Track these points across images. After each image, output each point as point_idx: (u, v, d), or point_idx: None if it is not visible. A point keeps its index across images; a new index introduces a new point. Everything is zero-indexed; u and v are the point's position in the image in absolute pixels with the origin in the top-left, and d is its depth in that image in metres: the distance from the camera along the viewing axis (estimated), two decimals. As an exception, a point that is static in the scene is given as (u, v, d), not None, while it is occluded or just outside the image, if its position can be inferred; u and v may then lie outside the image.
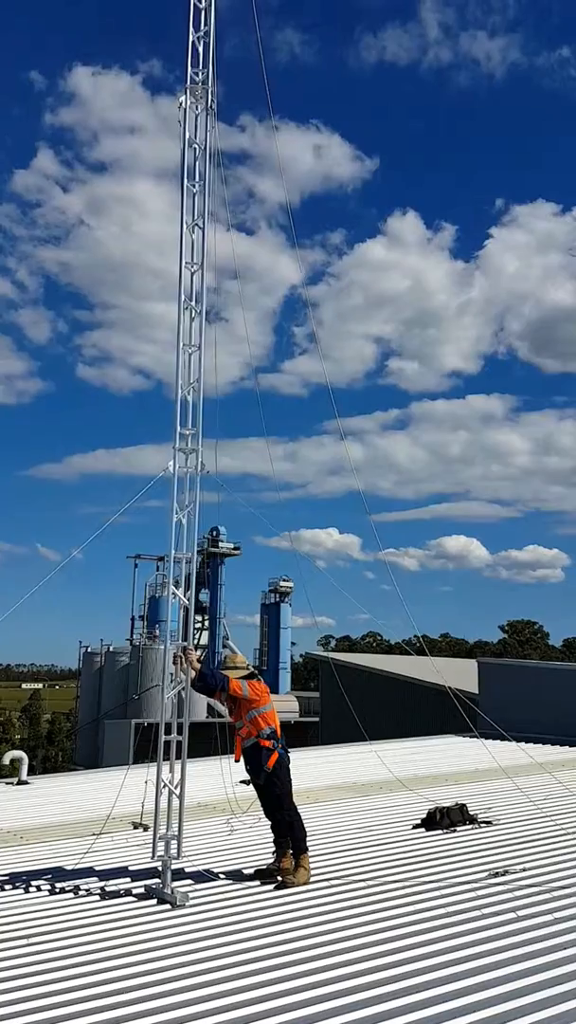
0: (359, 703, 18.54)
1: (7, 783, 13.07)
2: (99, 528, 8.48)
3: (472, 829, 9.19)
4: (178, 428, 7.41)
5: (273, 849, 7.26)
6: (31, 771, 13.59)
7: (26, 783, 12.93)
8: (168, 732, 6.90)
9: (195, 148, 8.00)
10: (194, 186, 7.93)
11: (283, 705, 48.08)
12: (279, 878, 7.00)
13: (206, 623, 64.23)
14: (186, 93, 8.01)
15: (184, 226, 7.81)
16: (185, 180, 7.92)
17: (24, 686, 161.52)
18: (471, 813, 9.57)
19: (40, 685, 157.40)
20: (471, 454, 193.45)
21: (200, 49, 8.09)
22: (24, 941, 5.54)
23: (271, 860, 7.25)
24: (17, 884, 6.91)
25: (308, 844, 7.23)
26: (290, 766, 7.25)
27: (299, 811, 7.27)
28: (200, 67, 8.05)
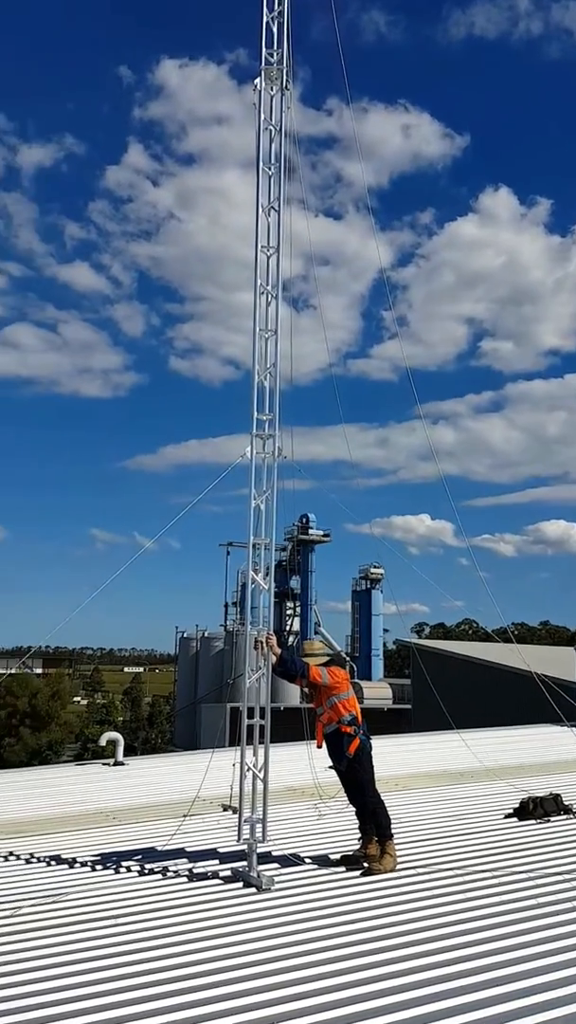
0: (450, 691, 18.27)
1: (104, 764, 13.47)
2: (181, 516, 8.59)
3: (567, 819, 8.91)
4: (255, 414, 7.39)
5: (359, 835, 7.21)
6: (133, 752, 13.94)
7: (122, 764, 13.28)
8: (251, 716, 6.93)
9: (271, 130, 7.94)
10: (270, 168, 7.88)
11: (375, 692, 47.98)
12: (365, 864, 6.95)
13: (297, 610, 64.61)
14: (261, 75, 7.95)
15: (260, 209, 7.77)
16: (261, 163, 7.88)
17: (126, 669, 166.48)
18: (566, 803, 9.28)
19: (141, 669, 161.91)
20: (570, 435, 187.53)
21: (275, 30, 8.00)
22: (112, 921, 5.67)
23: (357, 846, 7.20)
24: (109, 864, 7.09)
25: (396, 831, 7.15)
26: (372, 752, 7.18)
27: (382, 798, 7.20)
28: (275, 48, 7.96)
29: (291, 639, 56.96)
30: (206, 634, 51.63)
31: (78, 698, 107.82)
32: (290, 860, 7.14)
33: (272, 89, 7.98)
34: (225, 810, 9.05)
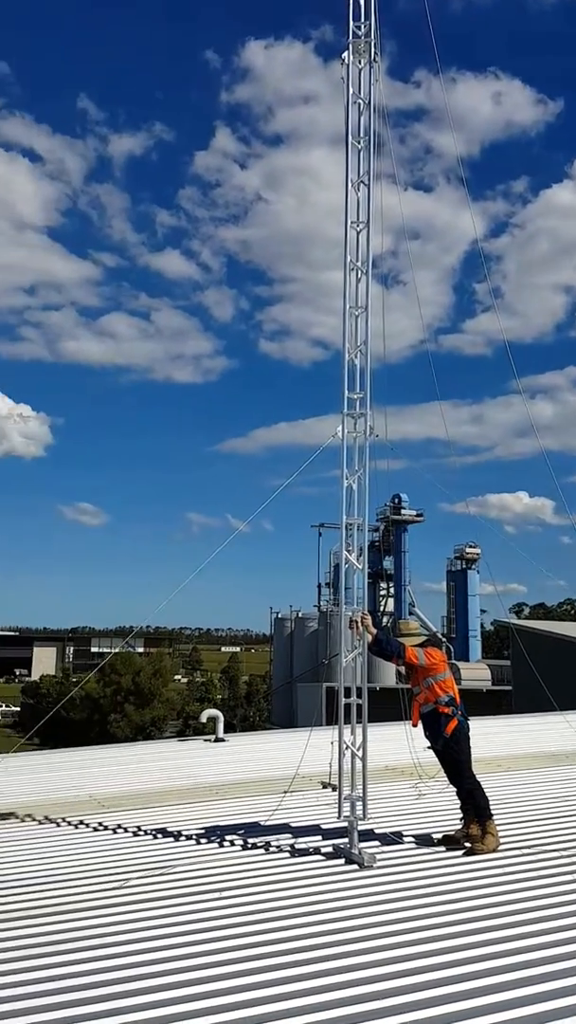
0: (552, 671, 17.82)
1: (205, 740, 13.79)
2: (274, 498, 8.64)
3: None
4: (346, 392, 7.35)
5: (461, 815, 7.15)
6: (231, 729, 14.23)
7: (223, 740, 13.56)
8: (348, 696, 6.94)
9: (359, 104, 7.84)
10: (359, 143, 7.78)
11: (474, 673, 47.31)
12: (467, 844, 6.89)
13: (391, 590, 64.24)
14: (348, 49, 7.84)
15: (349, 184, 7.68)
16: (350, 137, 7.79)
17: (223, 649, 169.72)
18: None
19: (237, 649, 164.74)
20: None
21: (362, 2, 7.87)
22: (218, 894, 5.81)
23: (459, 826, 7.15)
24: (213, 838, 7.26)
25: (500, 812, 7.07)
26: (471, 734, 7.09)
27: (478, 779, 7.11)
28: (362, 20, 7.83)
29: (385, 620, 56.74)
30: (300, 615, 51.96)
31: (178, 676, 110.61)
32: (391, 838, 7.15)
33: (360, 62, 7.87)
34: (324, 787, 9.13)
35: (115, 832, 7.54)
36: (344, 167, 7.74)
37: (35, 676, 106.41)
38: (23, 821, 7.99)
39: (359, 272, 7.56)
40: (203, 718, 14.81)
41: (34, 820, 8.02)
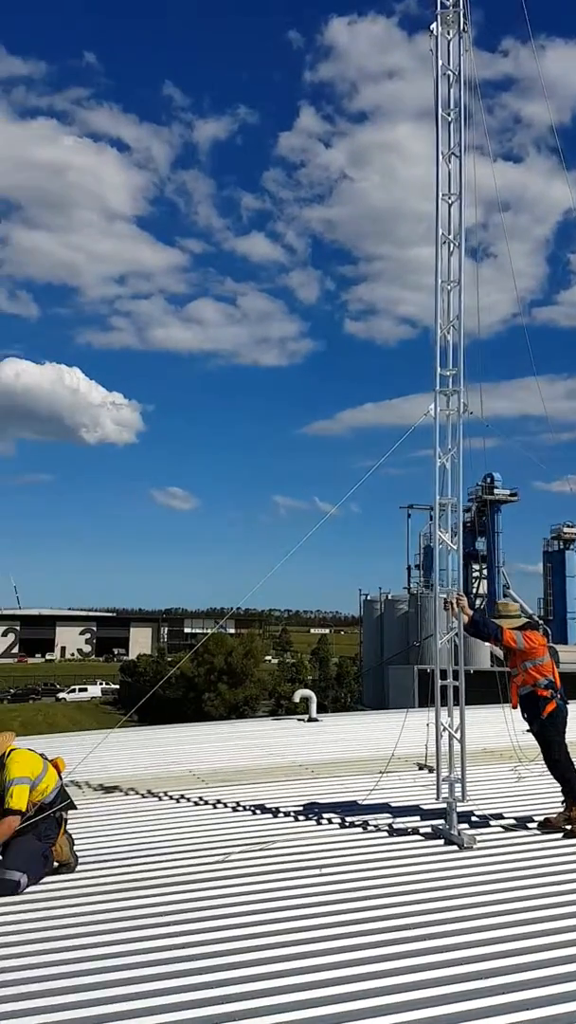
0: None
1: (299, 719, 13.93)
2: (362, 480, 8.59)
3: None
4: (438, 369, 7.24)
5: (562, 799, 7.02)
6: (323, 710, 14.34)
7: (316, 720, 13.68)
8: (444, 678, 6.89)
9: (449, 75, 7.67)
10: (449, 115, 7.61)
11: (572, 656, 46.07)
12: (567, 827, 6.77)
13: (484, 572, 63.13)
14: (437, 20, 7.67)
15: (440, 156, 7.54)
16: (439, 110, 7.63)
17: (312, 631, 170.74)
18: None
19: (327, 630, 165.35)
20: None
21: (449, -29, 7.67)
22: (318, 871, 5.89)
23: (560, 809, 7.02)
24: (311, 815, 7.36)
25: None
26: (567, 718, 6.95)
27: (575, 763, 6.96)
28: (450, -10, 7.63)
29: (479, 602, 55.90)
30: (390, 597, 51.69)
31: (268, 657, 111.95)
32: (490, 820, 7.09)
33: (449, 33, 7.69)
34: (421, 769, 9.11)
35: (215, 807, 7.72)
36: (434, 140, 7.60)
37: (132, 655, 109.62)
38: (127, 795, 8.27)
39: (451, 246, 7.42)
40: (296, 698, 14.96)
41: (137, 794, 8.29)
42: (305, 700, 14.31)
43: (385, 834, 6.81)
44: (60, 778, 5.94)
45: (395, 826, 6.99)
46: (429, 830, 6.84)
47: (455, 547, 7.29)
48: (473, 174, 7.62)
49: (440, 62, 7.67)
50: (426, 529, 56.95)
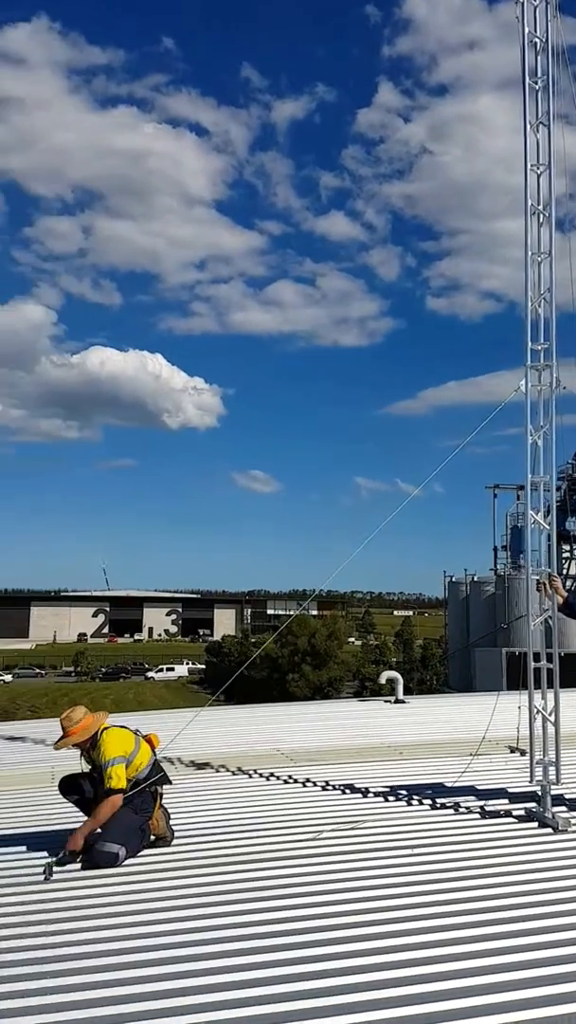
0: None
1: (385, 701, 13.93)
2: (449, 458, 8.47)
3: None
4: (529, 344, 7.05)
5: None
6: (406, 692, 14.29)
7: (403, 702, 13.64)
8: (537, 660, 6.77)
9: (536, 43, 7.43)
10: (536, 83, 7.37)
11: None
12: None
13: (575, 552, 61.42)
14: (524, -16, 7.43)
15: (527, 126, 7.32)
16: (526, 78, 7.41)
17: (396, 613, 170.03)
18: None
19: (410, 612, 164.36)
20: None
21: None
22: (409, 851, 5.89)
23: None
24: (400, 796, 7.36)
25: None
26: None
27: None
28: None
29: (570, 583, 54.45)
30: (475, 578, 50.91)
31: (352, 639, 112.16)
32: (585, 805, 6.95)
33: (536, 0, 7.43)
34: (513, 752, 8.99)
35: (304, 785, 7.80)
36: (520, 110, 7.39)
37: (217, 636, 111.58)
38: (218, 771, 8.44)
39: (541, 217, 7.20)
40: (382, 679, 14.95)
41: (228, 771, 8.45)
42: (391, 681, 14.28)
43: (477, 816, 6.76)
44: (154, 754, 6.10)
45: (487, 808, 6.93)
46: (523, 812, 6.76)
47: (547, 527, 7.13)
48: (562, 144, 7.40)
49: (527, 29, 7.44)
50: (513, 509, 55.67)
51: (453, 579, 52.72)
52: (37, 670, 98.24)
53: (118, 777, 5.63)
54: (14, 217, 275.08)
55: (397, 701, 13.69)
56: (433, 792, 7.45)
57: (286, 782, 7.94)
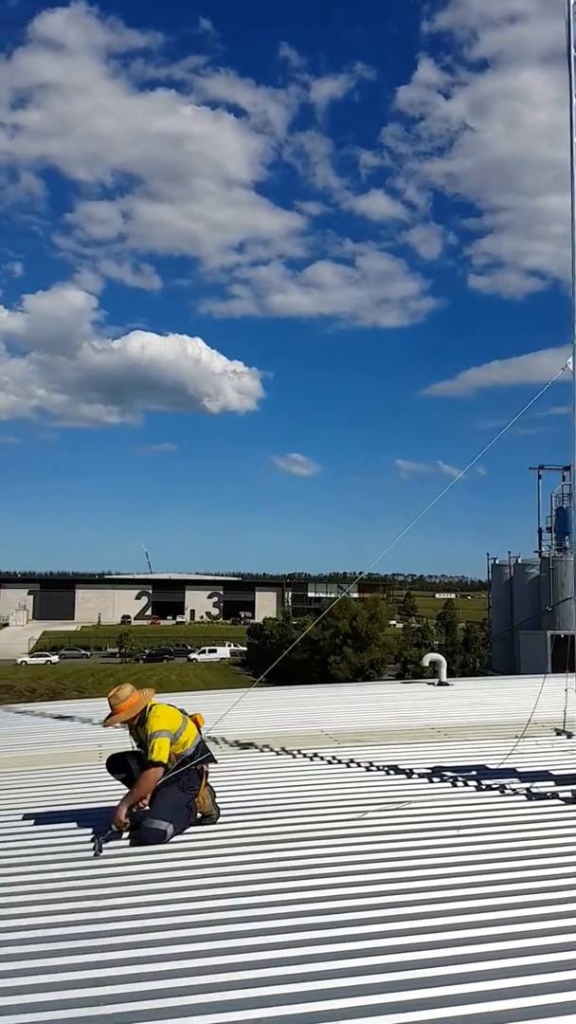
0: None
1: (428, 683, 13.86)
2: (495, 440, 8.36)
3: None
4: (579, 320, 6.90)
5: None
6: (449, 675, 14.21)
7: (446, 684, 13.57)
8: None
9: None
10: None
11: None
12: None
13: (621, 533, 60.35)
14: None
15: (573, 99, 7.13)
16: (572, 50, 7.22)
17: (437, 596, 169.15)
18: None
19: (452, 595, 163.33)
20: None
21: None
22: (455, 831, 5.86)
23: None
24: (445, 777, 7.32)
25: None
26: None
27: None
28: None
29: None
30: (519, 560, 50.34)
31: (393, 621, 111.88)
32: None
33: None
34: (559, 734, 8.89)
35: (348, 766, 7.81)
36: (566, 83, 7.23)
37: (258, 619, 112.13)
38: (262, 751, 8.49)
39: (589, 190, 7.01)
40: (425, 662, 14.86)
41: (271, 751, 8.49)
42: (434, 664, 14.20)
43: (523, 798, 6.70)
44: (200, 732, 6.14)
45: (533, 790, 6.87)
46: (569, 794, 6.68)
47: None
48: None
49: (572, 1, 7.26)
50: (559, 490, 54.86)
51: (497, 561, 52.18)
52: (83, 651, 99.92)
53: (160, 750, 5.67)
54: (55, 203, 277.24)
55: (441, 683, 13.62)
56: (478, 774, 7.40)
57: (330, 763, 7.95)
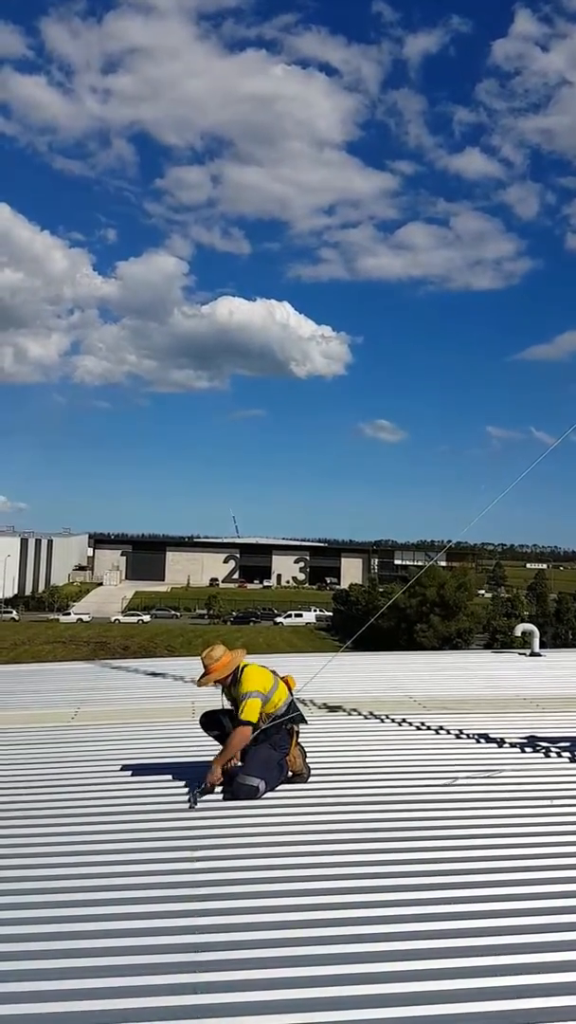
0: None
1: (520, 653, 13.63)
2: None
3: None
4: None
5: None
6: (541, 646, 13.91)
7: (538, 655, 13.30)
8: None
9: None
10: None
11: None
12: None
13: None
14: None
15: None
16: None
17: (528, 566, 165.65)
18: None
19: (544, 566, 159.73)
20: None
21: None
22: (548, 802, 5.77)
23: None
24: (538, 748, 7.20)
25: None
26: None
27: None
28: None
29: None
30: (617, 530, 48.74)
31: (482, 591, 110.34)
32: None
33: None
34: None
35: (437, 733, 7.77)
36: None
37: (343, 585, 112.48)
38: (350, 715, 8.53)
39: None
40: (517, 631, 14.63)
41: (360, 715, 8.52)
42: (527, 634, 13.93)
43: (619, 772, 6.54)
44: (291, 693, 6.20)
45: (630, 765, 6.69)
46: None
47: None
48: None
49: None
50: None
51: (591, 531, 50.73)
52: (172, 612, 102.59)
53: (251, 709, 5.76)
54: (145, 168, 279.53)
55: (533, 654, 13.36)
56: (572, 746, 7.25)
57: (419, 728, 7.93)
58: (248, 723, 5.77)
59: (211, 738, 6.18)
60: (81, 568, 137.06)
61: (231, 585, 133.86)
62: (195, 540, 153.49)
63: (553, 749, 7.16)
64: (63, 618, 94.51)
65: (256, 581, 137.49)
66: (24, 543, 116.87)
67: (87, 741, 7.44)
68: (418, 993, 3.39)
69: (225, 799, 5.71)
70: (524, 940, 3.83)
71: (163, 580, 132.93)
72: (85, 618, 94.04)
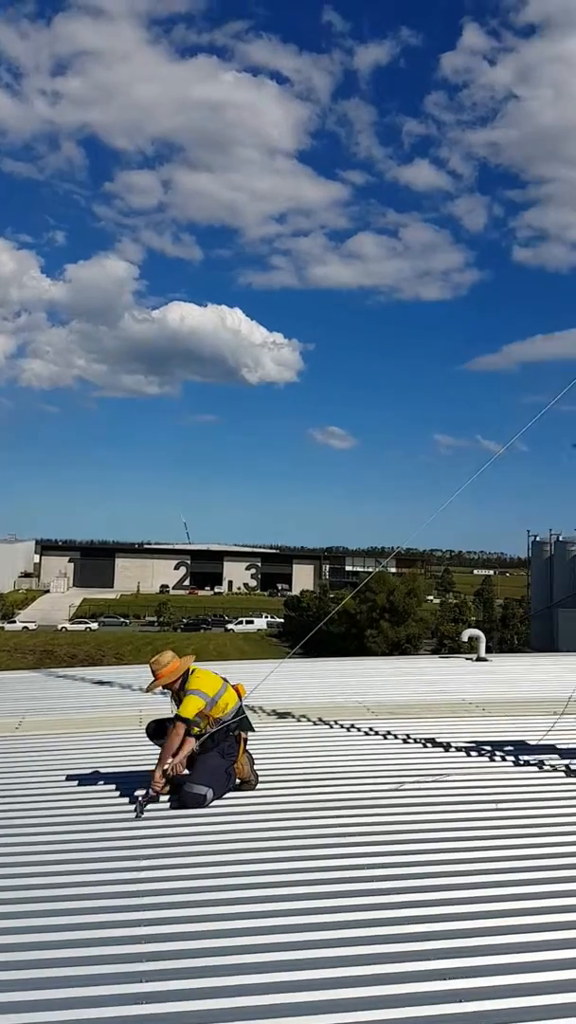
0: None
1: (467, 659, 13.81)
2: (539, 416, 8.22)
3: None
4: None
5: None
6: (487, 651, 14.13)
7: (485, 660, 13.50)
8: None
9: None
10: None
11: None
12: None
13: None
14: None
15: None
16: None
17: (476, 572, 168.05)
18: None
19: (491, 572, 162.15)
20: None
21: None
22: (493, 806, 5.85)
23: None
24: (483, 752, 7.30)
25: None
26: None
27: None
28: None
29: None
30: (560, 538, 49.76)
31: (431, 597, 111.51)
32: None
33: None
34: (599, 712, 8.79)
35: (385, 738, 7.83)
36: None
37: (295, 591, 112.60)
38: (299, 721, 8.54)
39: None
40: (464, 637, 14.81)
41: (309, 721, 8.54)
42: (473, 639, 14.13)
43: (562, 774, 6.67)
44: (240, 700, 6.18)
45: (572, 767, 6.82)
46: (609, 774, 6.62)
47: None
48: None
49: None
50: (601, 468, 53.93)
51: (537, 539, 51.72)
52: (121, 619, 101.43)
53: (187, 706, 5.70)
54: (95, 172, 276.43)
55: (479, 659, 13.56)
56: (516, 749, 7.37)
57: (367, 734, 7.98)
58: (183, 719, 5.69)
59: (158, 747, 6.12)
60: (27, 575, 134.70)
61: (182, 592, 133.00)
62: (145, 547, 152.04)
63: (498, 753, 7.26)
64: (8, 626, 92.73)
65: (207, 588, 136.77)
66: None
67: (32, 751, 7.32)
68: (365, 999, 3.40)
69: (172, 807, 5.67)
70: (466, 944, 3.87)
71: (112, 587, 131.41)
72: (31, 626, 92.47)
